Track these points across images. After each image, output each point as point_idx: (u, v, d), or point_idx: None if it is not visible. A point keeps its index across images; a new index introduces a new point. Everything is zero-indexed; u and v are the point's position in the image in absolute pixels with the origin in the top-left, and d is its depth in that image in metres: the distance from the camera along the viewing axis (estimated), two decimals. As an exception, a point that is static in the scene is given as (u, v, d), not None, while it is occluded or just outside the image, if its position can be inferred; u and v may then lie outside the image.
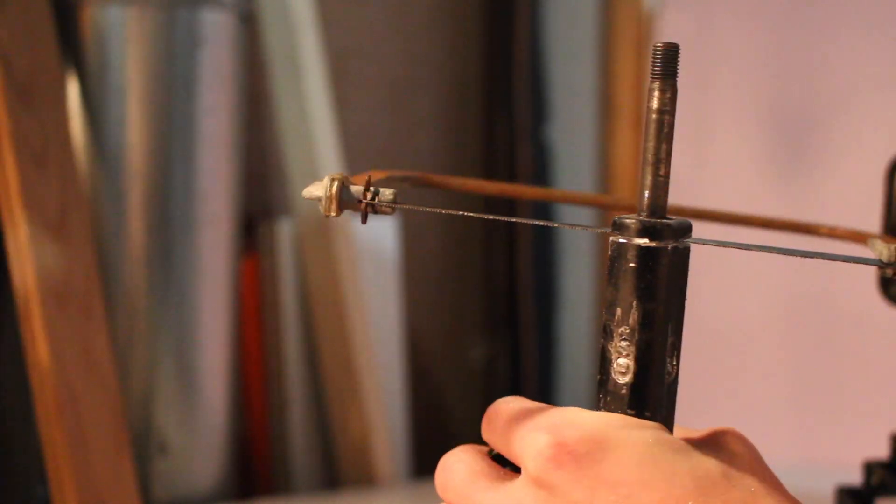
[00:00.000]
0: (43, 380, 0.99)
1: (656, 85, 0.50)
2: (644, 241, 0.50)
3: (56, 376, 0.99)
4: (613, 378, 0.50)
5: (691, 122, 1.46)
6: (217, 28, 1.16)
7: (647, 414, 0.49)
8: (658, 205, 0.51)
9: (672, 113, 0.50)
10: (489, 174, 1.59)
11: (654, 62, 0.50)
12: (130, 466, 1.03)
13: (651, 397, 0.50)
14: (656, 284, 0.50)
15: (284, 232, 1.31)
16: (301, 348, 1.31)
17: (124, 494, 1.02)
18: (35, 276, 0.99)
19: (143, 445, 1.13)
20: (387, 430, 1.32)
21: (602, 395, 0.50)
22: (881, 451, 0.87)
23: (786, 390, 1.40)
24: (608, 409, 0.50)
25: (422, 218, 1.54)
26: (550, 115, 1.63)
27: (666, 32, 1.48)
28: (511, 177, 1.58)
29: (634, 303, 0.49)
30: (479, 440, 0.58)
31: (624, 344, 0.50)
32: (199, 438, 1.17)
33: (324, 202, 0.54)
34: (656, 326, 0.50)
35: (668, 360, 0.50)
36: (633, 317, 0.49)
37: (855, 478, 0.85)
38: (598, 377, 0.51)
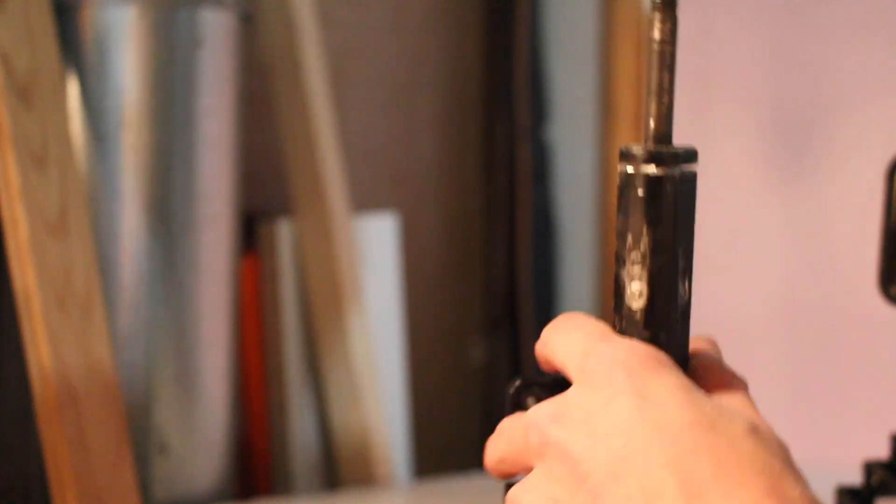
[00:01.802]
0: (43, 380, 0.99)
1: (657, 15, 0.51)
2: (651, 169, 0.50)
3: (56, 376, 0.99)
4: (627, 303, 0.51)
5: (691, 122, 1.46)
6: (217, 28, 1.16)
7: (662, 335, 0.51)
8: (663, 133, 0.52)
9: (673, 43, 0.51)
10: (489, 174, 1.59)
11: None
12: (130, 466, 1.03)
13: (665, 319, 0.51)
14: (665, 211, 0.51)
15: (284, 232, 1.31)
16: (301, 348, 1.31)
17: (124, 494, 1.02)
18: (35, 276, 0.99)
19: (143, 445, 1.13)
20: (387, 430, 1.32)
21: (618, 321, 0.52)
22: (881, 451, 0.87)
23: (786, 390, 1.40)
24: (624, 335, 0.51)
25: (422, 217, 1.54)
26: (550, 115, 1.63)
27: (666, 32, 1.48)
28: (511, 177, 1.58)
29: (645, 229, 0.50)
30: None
31: (636, 269, 0.51)
32: (199, 438, 1.17)
33: None
34: (667, 251, 0.51)
35: (681, 283, 0.52)
36: (644, 243, 0.50)
37: (855, 478, 0.85)
38: (614, 304, 0.52)
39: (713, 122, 1.45)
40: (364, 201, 1.44)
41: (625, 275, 0.51)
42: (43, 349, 0.99)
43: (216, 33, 1.16)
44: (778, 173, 1.39)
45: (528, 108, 1.59)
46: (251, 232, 1.31)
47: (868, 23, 1.34)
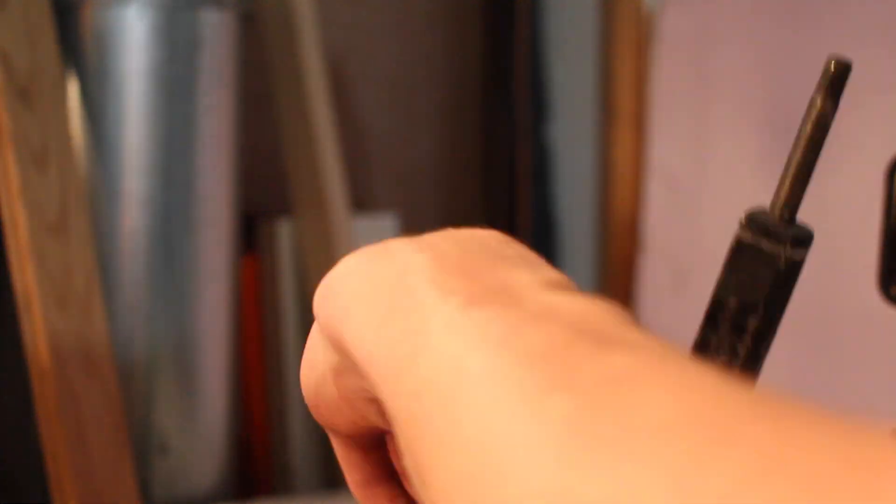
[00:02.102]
0: (43, 380, 0.99)
1: (821, 100, 0.51)
2: (790, 253, 0.50)
3: (56, 376, 0.99)
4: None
5: (691, 122, 1.46)
6: (217, 28, 1.16)
7: None
8: (794, 214, 0.51)
9: (830, 126, 0.50)
10: (489, 174, 1.59)
11: (824, 76, 0.50)
12: (130, 466, 1.03)
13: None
14: (786, 293, 0.51)
15: (284, 232, 1.31)
16: (301, 348, 1.31)
17: (124, 494, 1.02)
18: (35, 276, 0.99)
19: (143, 445, 1.13)
20: (387, 430, 1.32)
21: None
22: (881, 451, 0.87)
23: (785, 390, 1.40)
24: None
25: (422, 218, 1.54)
26: (550, 115, 1.63)
27: (666, 32, 1.48)
28: (511, 177, 1.58)
29: (762, 307, 0.51)
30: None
31: (734, 342, 0.51)
32: (199, 438, 1.17)
33: None
34: (771, 331, 0.51)
35: (763, 360, 0.52)
36: (754, 321, 0.51)
37: (855, 478, 0.85)
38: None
39: (713, 122, 1.45)
40: (364, 201, 1.44)
41: (717, 341, 0.51)
42: (43, 349, 0.99)
43: (216, 33, 1.16)
44: (777, 173, 1.39)
45: (528, 108, 1.59)
46: (251, 232, 1.31)
47: (867, 25, 1.34)
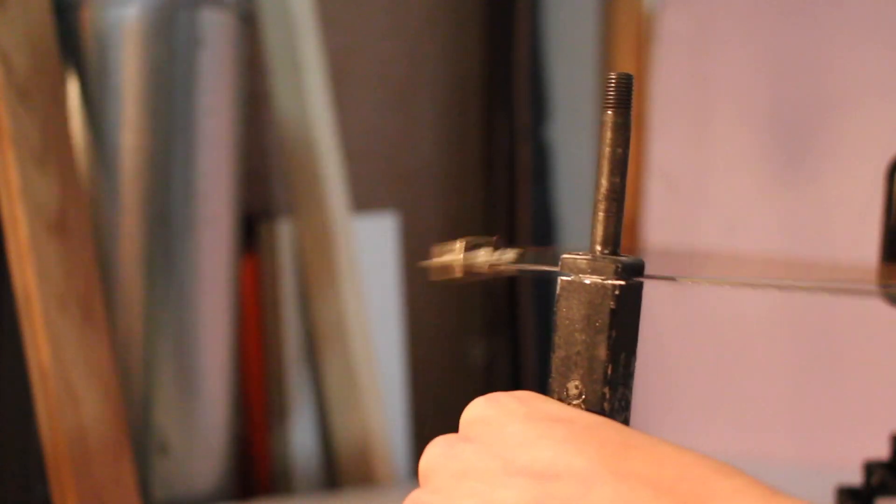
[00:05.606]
0: (43, 380, 0.99)
1: (609, 116, 0.48)
2: (621, 282, 0.50)
3: (56, 376, 0.99)
4: (567, 402, 0.52)
5: (691, 122, 1.46)
6: (217, 28, 1.16)
7: None
8: (618, 239, 0.50)
9: (627, 147, 0.49)
10: (489, 174, 1.59)
11: (606, 91, 0.48)
12: (130, 466, 1.03)
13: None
14: (629, 321, 0.52)
15: (284, 232, 1.31)
16: (301, 348, 1.31)
17: (124, 494, 1.02)
18: (35, 276, 0.99)
19: (143, 445, 1.13)
20: (387, 430, 1.32)
21: None
22: (881, 451, 0.87)
23: (785, 390, 1.40)
24: None
25: (422, 217, 1.54)
26: (550, 115, 1.63)
27: (666, 32, 1.48)
28: (511, 177, 1.58)
29: (605, 339, 0.50)
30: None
31: (580, 372, 0.51)
32: (199, 438, 1.17)
33: (455, 268, 0.55)
34: (619, 358, 0.51)
35: (623, 389, 0.51)
36: (601, 350, 0.50)
37: (855, 478, 0.85)
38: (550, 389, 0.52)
39: (713, 122, 1.45)
40: (364, 201, 1.44)
41: (564, 369, 0.50)
42: (43, 349, 0.99)
43: (216, 33, 1.16)
44: (777, 173, 1.39)
45: (528, 107, 1.59)
46: (251, 232, 1.31)
47: (867, 25, 1.34)
